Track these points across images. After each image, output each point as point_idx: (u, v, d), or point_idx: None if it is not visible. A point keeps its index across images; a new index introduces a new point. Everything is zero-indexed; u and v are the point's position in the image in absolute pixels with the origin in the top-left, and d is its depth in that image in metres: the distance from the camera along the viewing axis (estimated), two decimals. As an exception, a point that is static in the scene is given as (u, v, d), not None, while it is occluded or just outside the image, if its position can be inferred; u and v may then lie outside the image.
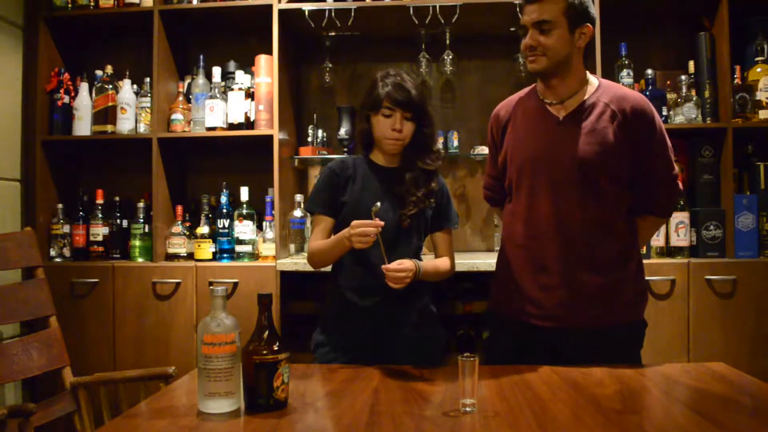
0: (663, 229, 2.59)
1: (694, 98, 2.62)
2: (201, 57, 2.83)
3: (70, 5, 2.80)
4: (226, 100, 2.76)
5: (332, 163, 1.82)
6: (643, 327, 1.71)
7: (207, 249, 2.69)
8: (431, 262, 1.79)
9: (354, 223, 1.59)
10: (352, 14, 2.65)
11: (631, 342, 1.70)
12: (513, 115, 1.73)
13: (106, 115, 2.79)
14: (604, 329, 1.64)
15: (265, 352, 1.23)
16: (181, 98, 2.81)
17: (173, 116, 2.78)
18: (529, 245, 1.66)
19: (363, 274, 1.75)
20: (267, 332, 1.26)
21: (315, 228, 1.81)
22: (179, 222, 2.74)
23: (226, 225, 2.69)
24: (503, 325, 1.76)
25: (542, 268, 1.64)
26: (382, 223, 1.59)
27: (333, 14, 2.65)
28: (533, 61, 1.61)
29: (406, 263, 1.62)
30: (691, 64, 2.70)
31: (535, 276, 1.65)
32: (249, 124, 2.75)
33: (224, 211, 2.69)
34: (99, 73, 2.87)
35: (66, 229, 2.79)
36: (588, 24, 1.60)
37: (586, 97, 1.65)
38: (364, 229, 1.56)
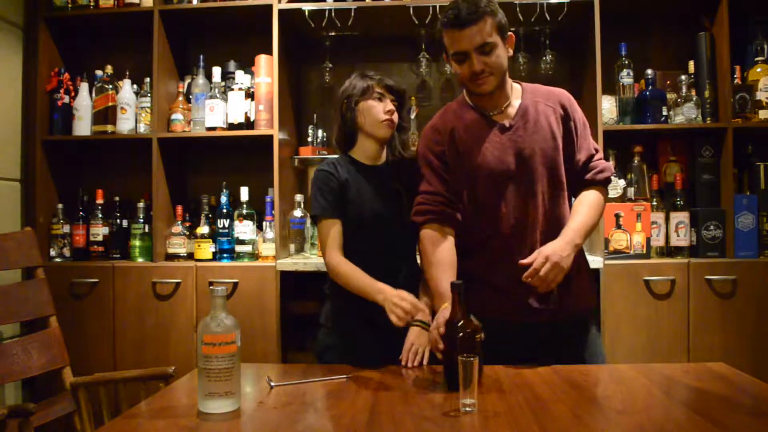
0: (663, 228, 2.60)
1: (694, 98, 2.62)
2: (201, 57, 2.83)
3: (70, 5, 2.80)
4: (226, 100, 2.76)
5: (323, 166, 1.81)
6: (597, 313, 1.82)
7: (207, 249, 2.69)
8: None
9: (402, 296, 1.54)
10: (352, 14, 2.65)
11: (596, 329, 1.77)
12: (454, 130, 1.72)
13: (106, 115, 2.79)
14: (571, 320, 1.68)
15: (473, 330, 1.37)
16: (181, 98, 2.81)
17: (173, 116, 2.78)
18: (495, 246, 1.67)
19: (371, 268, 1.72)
20: (467, 315, 1.39)
21: (328, 235, 1.74)
22: (179, 222, 2.74)
23: (226, 225, 2.69)
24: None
25: (513, 266, 1.62)
26: (428, 318, 1.58)
27: (333, 14, 2.65)
28: (484, 84, 1.63)
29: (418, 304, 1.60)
30: (691, 64, 2.71)
31: (506, 273, 1.65)
32: (249, 124, 2.75)
33: (224, 211, 2.69)
34: (99, 73, 2.87)
35: (66, 229, 2.79)
36: (510, 32, 1.66)
37: (520, 100, 1.71)
38: (407, 307, 1.51)
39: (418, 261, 1.88)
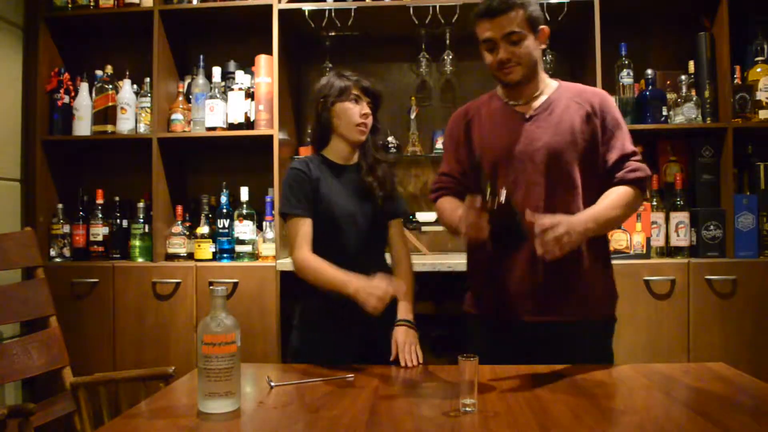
0: (663, 228, 2.60)
1: (694, 98, 2.62)
2: (201, 57, 2.83)
3: (70, 5, 2.80)
4: (226, 100, 2.76)
5: (296, 164, 1.81)
6: (613, 322, 1.74)
7: (207, 249, 2.69)
8: (402, 275, 1.81)
9: (373, 284, 1.50)
10: (352, 14, 2.65)
11: (606, 336, 1.73)
12: (477, 116, 1.77)
13: (106, 115, 2.79)
14: (579, 324, 1.65)
15: (507, 198, 1.43)
16: (181, 98, 2.81)
17: (173, 116, 2.78)
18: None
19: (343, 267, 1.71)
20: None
21: (298, 232, 1.73)
22: (179, 222, 2.74)
23: (226, 225, 2.69)
24: (482, 325, 1.75)
25: (516, 264, 1.64)
26: (404, 289, 1.57)
27: (333, 14, 2.66)
28: (510, 73, 1.65)
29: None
30: (691, 64, 2.71)
31: (511, 272, 1.65)
32: (249, 124, 2.75)
33: (224, 211, 2.69)
34: (99, 73, 2.87)
35: (66, 229, 2.79)
36: (543, 25, 1.66)
37: (548, 95, 1.72)
38: (380, 293, 1.48)
39: (389, 261, 1.89)
